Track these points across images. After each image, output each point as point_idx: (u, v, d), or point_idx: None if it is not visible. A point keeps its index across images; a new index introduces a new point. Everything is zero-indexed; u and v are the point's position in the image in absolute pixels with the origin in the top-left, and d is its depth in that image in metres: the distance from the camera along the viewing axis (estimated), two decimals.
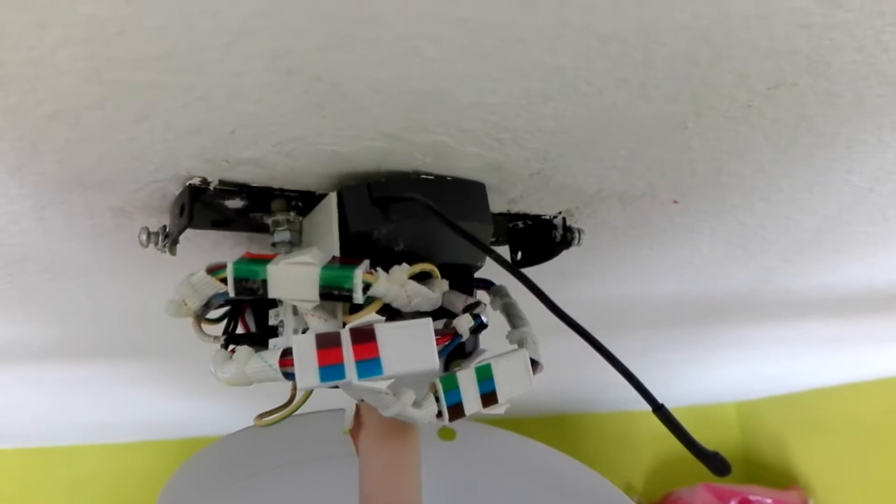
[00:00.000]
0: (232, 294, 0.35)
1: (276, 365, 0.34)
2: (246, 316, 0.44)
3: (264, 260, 0.35)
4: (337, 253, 0.37)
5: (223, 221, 0.42)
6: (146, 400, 1.28)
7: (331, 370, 0.33)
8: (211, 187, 0.38)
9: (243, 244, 0.49)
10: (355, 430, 0.41)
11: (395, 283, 0.35)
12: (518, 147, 0.37)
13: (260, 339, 0.41)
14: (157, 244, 0.41)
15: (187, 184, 0.38)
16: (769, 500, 2.30)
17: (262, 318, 0.43)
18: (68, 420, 1.45)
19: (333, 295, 0.35)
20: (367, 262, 0.35)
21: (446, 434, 0.50)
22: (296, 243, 0.41)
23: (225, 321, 0.44)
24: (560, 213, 0.47)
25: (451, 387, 0.38)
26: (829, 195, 0.50)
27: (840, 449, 2.28)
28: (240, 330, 0.43)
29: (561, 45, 0.28)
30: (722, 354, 1.28)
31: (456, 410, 0.39)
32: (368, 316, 0.36)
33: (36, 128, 0.32)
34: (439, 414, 0.38)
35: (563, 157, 0.39)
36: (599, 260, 0.60)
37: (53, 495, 1.82)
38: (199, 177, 0.37)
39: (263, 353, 0.35)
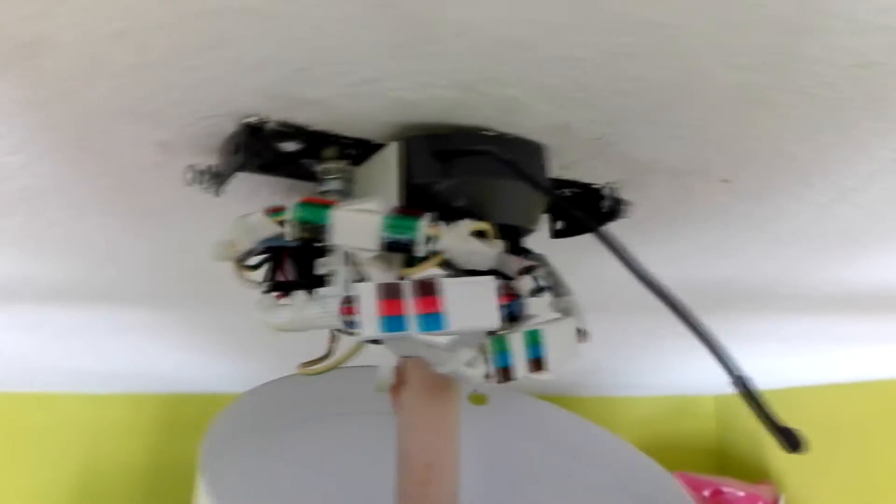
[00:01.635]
0: (290, 238, 0.34)
1: (337, 312, 0.33)
2: (286, 264, 0.43)
3: (326, 205, 0.34)
4: (396, 204, 0.36)
5: (272, 165, 0.40)
6: (133, 351, 1.26)
7: (392, 321, 0.32)
8: (268, 127, 0.37)
9: (281, 192, 0.48)
10: (396, 387, 0.41)
11: (458, 239, 0.34)
12: (589, 108, 0.36)
13: (306, 287, 0.40)
14: (202, 183, 0.40)
15: (244, 122, 0.36)
16: (741, 493, 2.33)
17: (302, 268, 0.42)
18: (49, 366, 1.43)
19: (395, 245, 0.34)
20: (429, 215, 0.34)
21: (478, 399, 0.49)
22: (346, 193, 0.40)
23: (266, 268, 0.43)
24: (608, 183, 0.46)
25: (501, 349, 0.37)
26: (874, 186, 0.49)
27: (814, 448, 2.30)
28: (279, 278, 0.42)
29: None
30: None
31: (505, 373, 0.38)
32: (426, 270, 0.35)
33: (100, 47, 0.30)
34: (487, 375, 0.37)
35: (631, 123, 0.38)
36: (629, 236, 0.59)
37: (26, 442, 1.80)
38: (258, 115, 0.36)
39: (323, 300, 0.34)
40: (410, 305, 0.33)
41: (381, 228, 0.33)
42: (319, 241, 0.34)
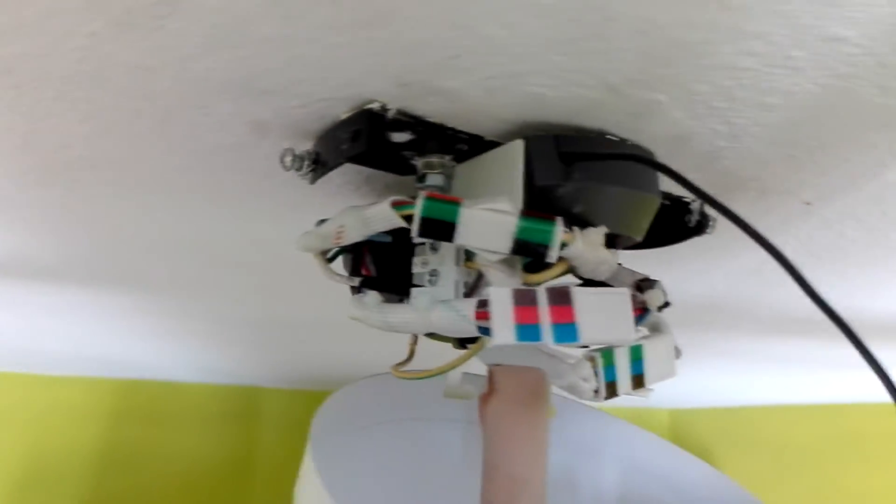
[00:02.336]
0: (415, 233, 0.32)
1: (471, 316, 0.31)
2: (366, 260, 0.41)
3: (455, 202, 0.32)
4: (521, 205, 0.34)
5: (370, 155, 0.38)
6: (92, 334, 1.20)
7: (527, 329, 0.31)
8: (389, 115, 0.34)
9: (354, 187, 0.46)
10: (486, 396, 0.39)
11: (589, 247, 0.33)
12: (724, 120, 0.35)
13: (399, 286, 0.38)
14: (299, 169, 0.38)
15: (367, 108, 0.34)
16: None
17: (383, 265, 0.40)
18: (2, 345, 1.36)
19: (525, 249, 0.32)
20: (561, 220, 0.33)
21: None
22: (445, 189, 0.38)
23: (346, 263, 0.41)
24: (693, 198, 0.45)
25: (609, 363, 0.36)
26: None
27: (765, 467, 2.36)
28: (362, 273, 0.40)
29: (862, 16, 0.26)
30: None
31: (611, 388, 0.37)
32: (552, 277, 0.33)
33: (244, 13, 0.28)
34: (596, 390, 0.36)
35: (754, 139, 0.37)
36: (685, 251, 0.59)
37: None
38: (381, 102, 0.34)
39: (454, 302, 0.32)
40: (545, 314, 0.31)
41: (515, 231, 0.31)
42: (444, 239, 0.32)
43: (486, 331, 0.31)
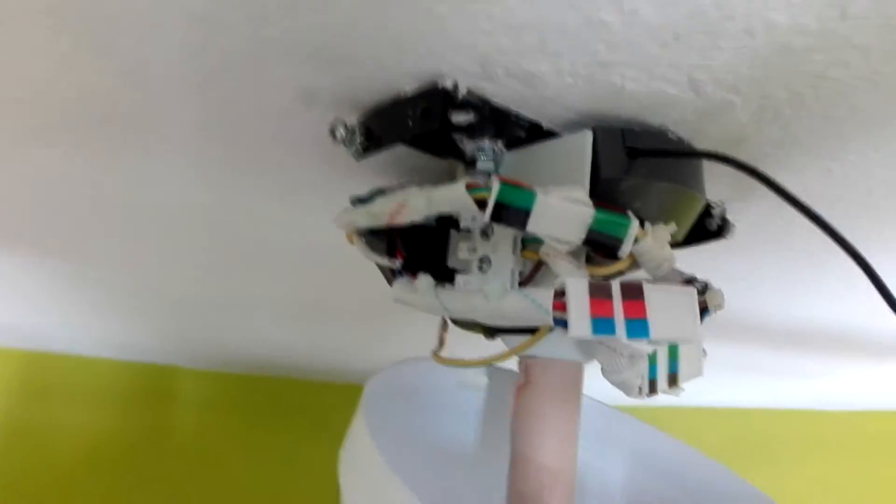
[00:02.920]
0: (486, 218, 0.31)
1: (549, 307, 0.30)
2: (398, 243, 0.39)
3: (530, 189, 0.31)
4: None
5: (423, 137, 0.37)
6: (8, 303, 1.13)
7: (602, 323, 0.30)
8: (459, 95, 0.33)
9: (384, 170, 0.44)
10: (520, 388, 0.38)
11: (657, 243, 0.33)
12: (782, 127, 0.36)
13: (443, 272, 0.37)
14: (350, 143, 0.36)
15: (440, 86, 0.33)
16: None
17: (416, 248, 0.39)
18: None
19: (597, 241, 0.32)
20: (631, 213, 0.33)
21: None
22: (492, 175, 0.37)
23: (381, 246, 0.39)
24: (721, 200, 0.46)
25: (653, 361, 0.36)
26: None
27: None
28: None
29: None
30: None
31: (652, 386, 0.37)
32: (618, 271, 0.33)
33: None
34: (640, 388, 0.36)
35: (800, 149, 0.38)
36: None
37: None
38: (454, 79, 0.33)
39: (530, 291, 0.31)
40: (619, 308, 0.31)
41: (591, 222, 0.31)
42: (515, 226, 0.31)
43: (562, 322, 0.30)
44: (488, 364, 0.35)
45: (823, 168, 0.40)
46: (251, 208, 0.54)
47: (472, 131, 0.37)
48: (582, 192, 0.32)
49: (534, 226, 0.31)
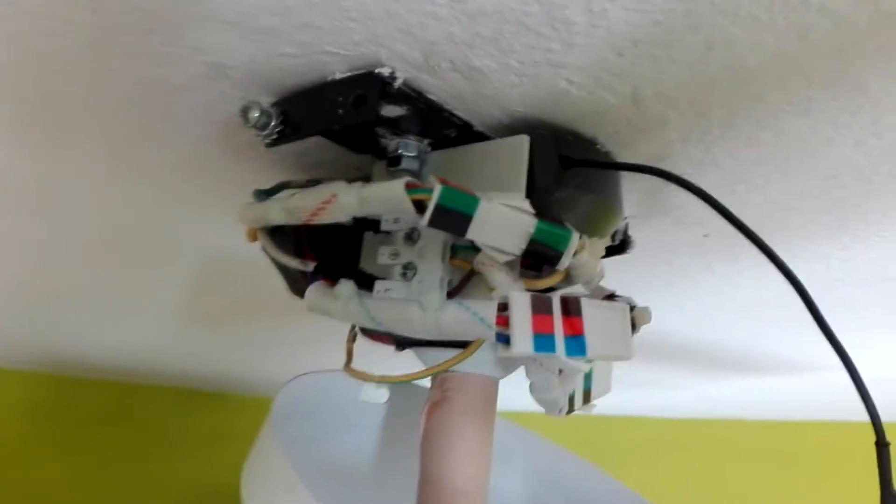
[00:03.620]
0: (425, 221, 0.29)
1: (492, 321, 0.28)
2: (305, 244, 0.36)
3: (472, 193, 0.29)
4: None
5: (351, 128, 0.34)
6: None
7: (543, 340, 0.28)
8: (395, 85, 0.30)
9: (284, 163, 0.40)
10: (435, 404, 0.36)
11: (592, 257, 0.31)
12: (705, 147, 0.36)
13: (356, 276, 0.34)
14: (264, 128, 0.32)
15: (376, 71, 0.30)
16: None
17: (324, 250, 0.36)
18: None
19: (537, 252, 0.30)
20: (570, 225, 0.31)
21: None
22: (419, 175, 0.35)
23: (291, 246, 0.36)
24: (626, 216, 0.46)
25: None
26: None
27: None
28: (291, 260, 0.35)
29: None
30: None
31: (570, 403, 0.36)
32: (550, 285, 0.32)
33: None
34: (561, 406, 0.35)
35: (720, 171, 0.38)
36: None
37: None
38: (391, 68, 0.30)
39: (469, 303, 0.29)
40: (559, 324, 0.29)
41: (533, 232, 0.29)
42: (455, 232, 0.29)
43: (503, 338, 0.28)
44: (413, 379, 0.33)
45: (729, 188, 0.41)
46: (121, 191, 0.48)
47: (398, 126, 0.34)
48: (524, 201, 0.30)
49: (473, 233, 0.29)
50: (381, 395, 0.40)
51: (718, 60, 0.28)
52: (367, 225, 0.36)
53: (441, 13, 0.26)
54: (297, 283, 0.40)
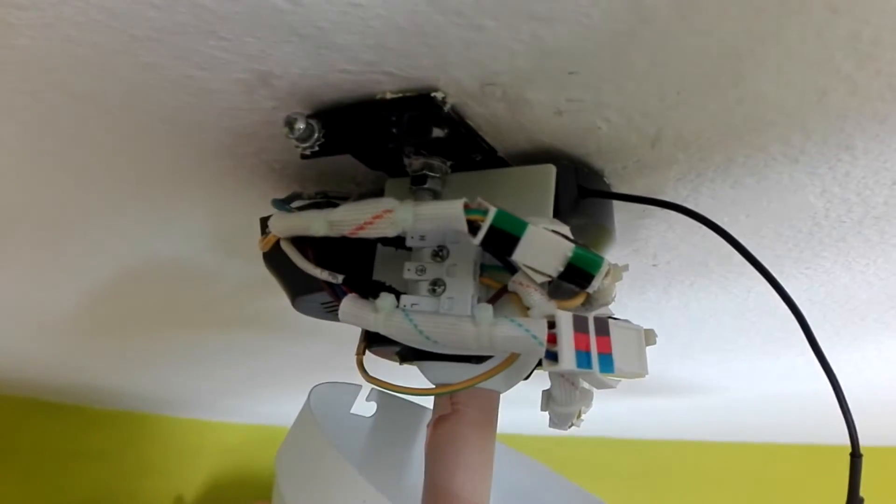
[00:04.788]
0: (477, 241, 0.30)
1: (544, 338, 0.30)
2: (309, 256, 0.37)
3: (522, 220, 0.31)
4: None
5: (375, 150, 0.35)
6: None
7: (583, 357, 0.30)
8: (445, 109, 0.32)
9: (296, 179, 0.41)
10: (444, 416, 0.37)
11: (613, 280, 0.34)
12: (703, 185, 0.40)
13: (372, 289, 0.35)
14: (306, 140, 0.32)
15: (432, 95, 0.31)
16: None
17: (330, 263, 0.37)
18: None
19: (571, 276, 0.32)
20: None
21: None
22: (438, 196, 0.36)
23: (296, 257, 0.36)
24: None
25: None
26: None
27: None
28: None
29: None
30: None
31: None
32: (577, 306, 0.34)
33: None
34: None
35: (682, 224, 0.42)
36: None
37: None
38: (444, 93, 0.31)
39: (523, 321, 0.30)
40: (593, 342, 0.31)
41: (571, 256, 0.31)
42: (500, 252, 0.31)
43: (552, 355, 0.30)
44: (452, 391, 0.34)
45: (696, 226, 0.45)
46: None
47: (429, 147, 0.35)
48: (564, 227, 0.32)
49: (519, 254, 0.31)
50: (370, 407, 0.41)
51: (742, 112, 0.32)
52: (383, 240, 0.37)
53: (517, 48, 0.28)
54: (301, 297, 0.40)
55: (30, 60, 0.31)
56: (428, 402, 0.46)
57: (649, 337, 0.36)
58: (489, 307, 0.31)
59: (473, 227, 0.30)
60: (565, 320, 0.30)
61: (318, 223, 0.32)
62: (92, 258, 0.59)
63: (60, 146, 0.39)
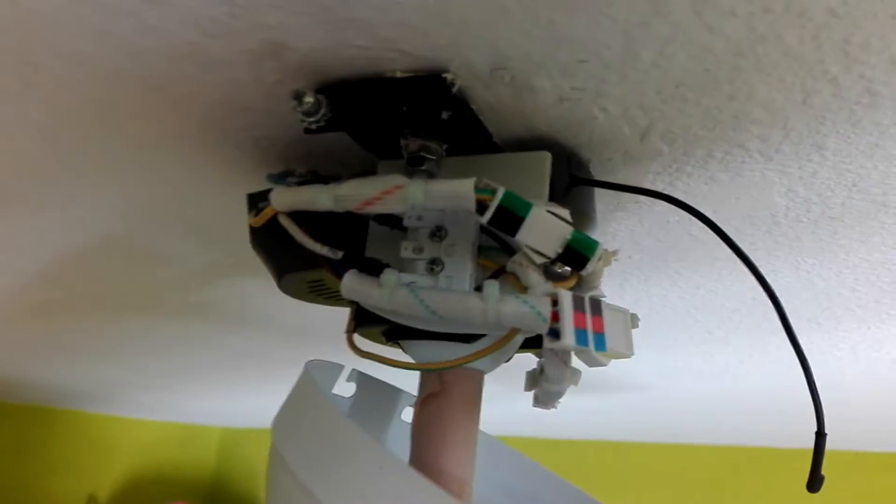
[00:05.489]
0: (485, 220, 0.31)
1: (548, 316, 0.31)
2: (304, 229, 0.37)
3: (527, 201, 0.32)
4: None
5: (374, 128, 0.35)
6: None
7: (581, 335, 0.32)
8: (453, 91, 0.32)
9: (285, 158, 0.41)
10: (432, 396, 0.38)
11: (604, 264, 0.35)
12: (678, 180, 0.42)
13: (371, 266, 0.35)
14: (312, 114, 0.33)
15: (443, 76, 0.32)
16: None
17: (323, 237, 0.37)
18: None
19: (568, 258, 0.33)
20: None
21: None
22: (436, 176, 0.37)
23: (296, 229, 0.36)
24: None
25: None
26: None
27: None
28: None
29: None
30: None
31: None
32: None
33: None
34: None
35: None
36: None
37: None
38: (454, 74, 0.32)
39: (528, 298, 0.31)
40: (588, 321, 0.32)
41: (569, 239, 0.32)
42: (506, 232, 0.32)
43: (554, 332, 0.31)
44: (454, 366, 0.34)
45: (665, 218, 0.47)
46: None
47: (427, 129, 0.36)
48: (564, 210, 0.33)
49: (522, 234, 0.32)
50: (350, 388, 0.41)
51: (731, 109, 0.34)
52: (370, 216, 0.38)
53: (534, 32, 0.29)
54: (289, 275, 0.40)
55: (31, 20, 0.30)
56: (406, 383, 0.46)
57: (634, 320, 0.38)
58: (496, 283, 0.32)
59: (481, 207, 0.31)
60: (567, 299, 0.31)
61: (323, 197, 0.32)
62: (38, 233, 0.57)
63: (28, 111, 0.38)
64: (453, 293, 0.32)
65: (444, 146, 0.37)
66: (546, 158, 0.36)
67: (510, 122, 0.36)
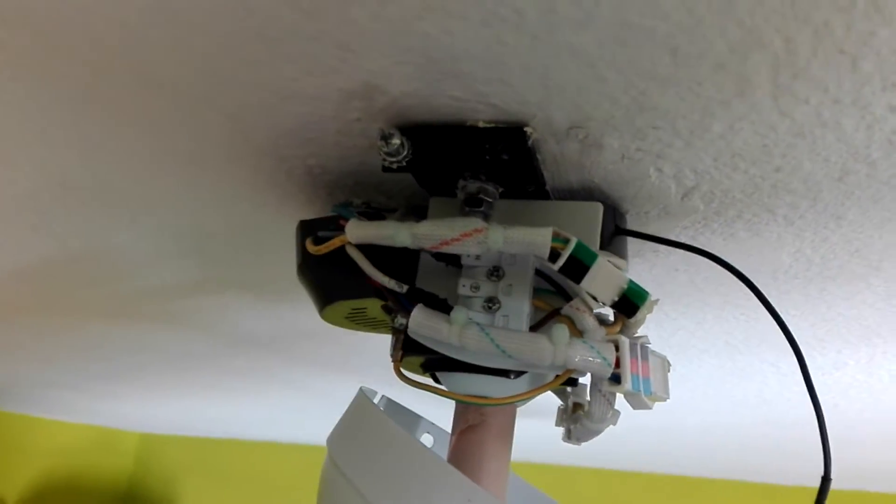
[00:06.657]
0: (556, 267, 0.33)
1: (612, 361, 0.33)
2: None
3: (594, 252, 0.34)
4: None
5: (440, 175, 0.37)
6: None
7: (636, 379, 0.34)
8: (528, 143, 0.34)
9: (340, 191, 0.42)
10: (472, 427, 0.39)
11: (648, 311, 0.38)
12: (697, 239, 0.45)
13: (431, 300, 0.37)
14: (396, 155, 0.34)
15: (524, 129, 0.34)
16: None
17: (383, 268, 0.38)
18: None
19: (621, 304, 0.36)
20: None
21: None
22: (490, 219, 0.39)
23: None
24: None
25: None
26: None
27: (233, 500, 2.44)
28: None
29: None
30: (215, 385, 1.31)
31: None
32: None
33: None
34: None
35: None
36: None
37: None
38: (533, 128, 0.34)
39: (595, 344, 0.33)
40: (639, 367, 0.35)
41: (625, 288, 0.35)
42: (572, 279, 0.34)
43: (616, 377, 0.33)
44: (518, 401, 0.36)
45: (674, 267, 0.50)
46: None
47: (487, 173, 0.38)
48: (622, 261, 0.36)
49: (587, 282, 0.34)
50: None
51: (773, 179, 0.37)
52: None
53: (622, 100, 0.31)
54: (337, 302, 0.41)
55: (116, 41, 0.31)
56: (426, 410, 0.48)
57: (667, 364, 0.40)
58: (565, 328, 0.33)
59: (553, 255, 0.33)
60: (626, 346, 0.34)
61: (402, 234, 0.34)
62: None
63: (98, 123, 0.38)
64: (524, 335, 0.34)
65: (500, 189, 0.39)
66: (598, 209, 0.38)
67: (566, 174, 0.38)
